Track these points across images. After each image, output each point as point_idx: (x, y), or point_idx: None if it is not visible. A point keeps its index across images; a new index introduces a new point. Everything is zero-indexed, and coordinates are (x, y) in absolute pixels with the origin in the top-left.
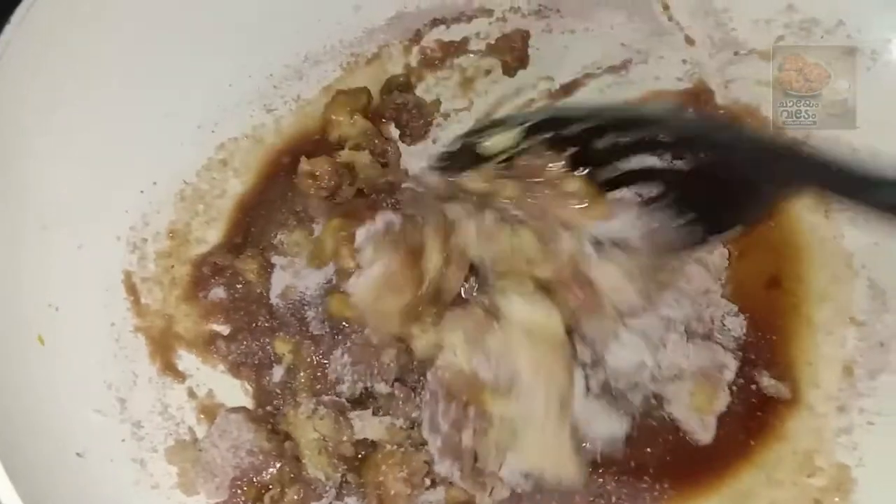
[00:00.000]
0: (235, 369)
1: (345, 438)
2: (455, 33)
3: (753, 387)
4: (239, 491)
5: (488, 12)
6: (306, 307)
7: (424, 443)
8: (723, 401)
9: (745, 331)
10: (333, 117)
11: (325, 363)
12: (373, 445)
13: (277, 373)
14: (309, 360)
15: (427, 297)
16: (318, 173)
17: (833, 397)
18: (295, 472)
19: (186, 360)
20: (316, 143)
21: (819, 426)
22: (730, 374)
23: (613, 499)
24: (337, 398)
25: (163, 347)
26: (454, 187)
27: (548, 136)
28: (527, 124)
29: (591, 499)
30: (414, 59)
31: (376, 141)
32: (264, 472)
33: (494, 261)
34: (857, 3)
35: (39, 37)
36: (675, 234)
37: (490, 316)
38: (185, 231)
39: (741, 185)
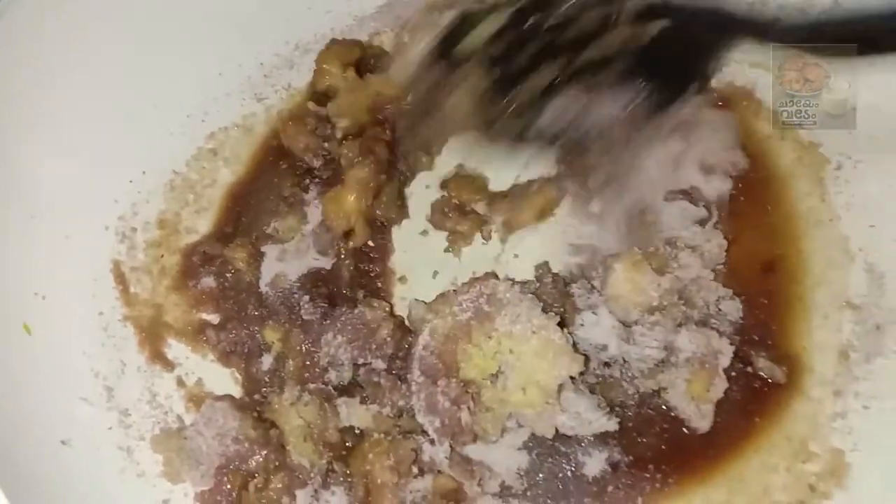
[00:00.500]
0: (225, 358)
1: (330, 426)
2: None
3: (749, 370)
4: (224, 479)
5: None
6: (296, 294)
7: (412, 431)
8: (719, 388)
9: (741, 314)
10: (325, 66)
11: (315, 351)
12: (360, 435)
13: (267, 361)
14: (298, 348)
15: None
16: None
17: (829, 381)
18: (280, 460)
19: (176, 348)
20: None
21: (814, 411)
22: (725, 360)
23: (610, 488)
24: (324, 385)
25: (152, 336)
26: None
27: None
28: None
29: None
30: None
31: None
32: (250, 460)
33: None
34: None
35: (27, 26)
36: (645, 103)
37: None
38: (175, 220)
39: (689, 48)
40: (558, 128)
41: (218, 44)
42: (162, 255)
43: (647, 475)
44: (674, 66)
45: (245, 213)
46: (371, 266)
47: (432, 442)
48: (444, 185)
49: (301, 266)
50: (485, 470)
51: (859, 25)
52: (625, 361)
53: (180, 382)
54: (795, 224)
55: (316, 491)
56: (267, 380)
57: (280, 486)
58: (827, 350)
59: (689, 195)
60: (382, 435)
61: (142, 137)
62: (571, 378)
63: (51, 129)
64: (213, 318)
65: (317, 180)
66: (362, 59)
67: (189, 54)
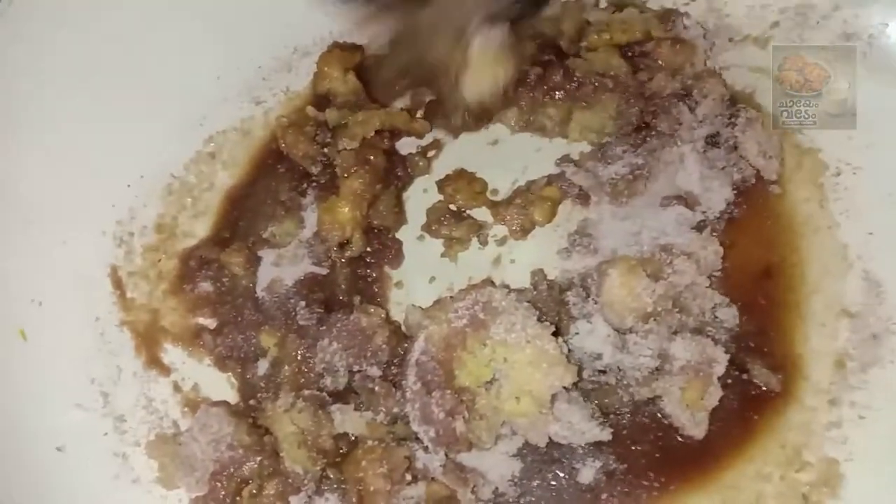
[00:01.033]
0: (221, 363)
1: (324, 432)
2: None
3: (744, 377)
4: (218, 485)
5: None
6: (292, 300)
7: (405, 438)
8: (714, 396)
9: (737, 322)
10: (326, 69)
11: (310, 357)
12: (354, 442)
13: (262, 366)
14: (294, 353)
15: None
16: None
17: (824, 390)
18: (274, 467)
19: (172, 353)
20: None
21: (809, 420)
22: (720, 369)
23: (604, 496)
24: (318, 392)
25: (148, 341)
26: None
27: None
28: None
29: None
30: None
31: None
32: (244, 467)
33: None
34: None
35: (24, 31)
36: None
37: None
38: (173, 225)
39: None
40: None
41: (216, 47)
42: (159, 260)
43: (642, 483)
44: None
45: (242, 218)
46: (367, 271)
47: (426, 449)
48: (441, 187)
49: (297, 271)
50: (478, 477)
51: None
52: (619, 369)
53: (176, 387)
54: (793, 230)
55: (310, 497)
56: (262, 385)
57: (274, 492)
58: (823, 358)
59: (685, 200)
60: (376, 442)
61: (140, 141)
62: (565, 388)
63: (48, 133)
64: (210, 323)
65: (314, 185)
66: (362, 63)
67: (187, 58)
